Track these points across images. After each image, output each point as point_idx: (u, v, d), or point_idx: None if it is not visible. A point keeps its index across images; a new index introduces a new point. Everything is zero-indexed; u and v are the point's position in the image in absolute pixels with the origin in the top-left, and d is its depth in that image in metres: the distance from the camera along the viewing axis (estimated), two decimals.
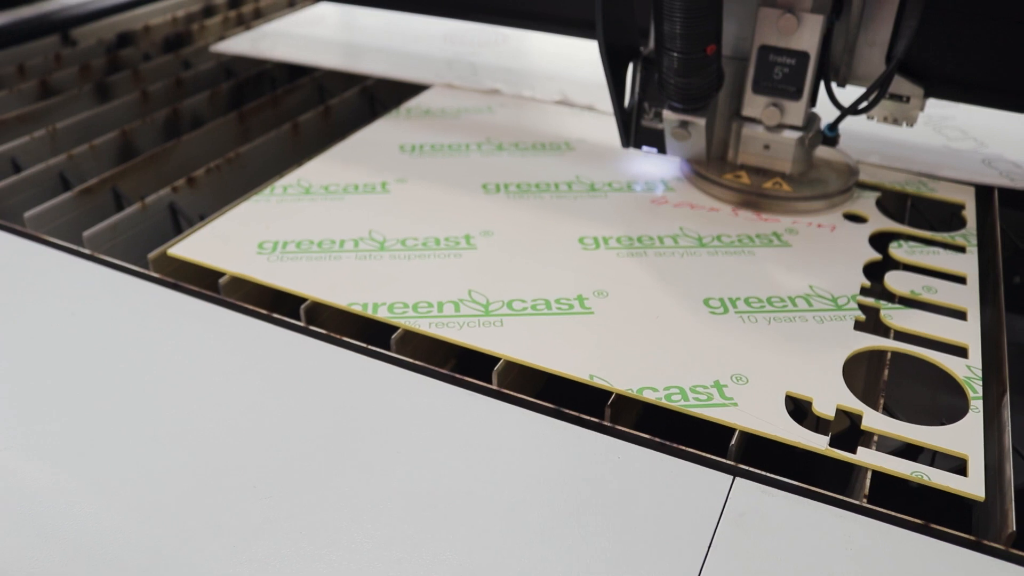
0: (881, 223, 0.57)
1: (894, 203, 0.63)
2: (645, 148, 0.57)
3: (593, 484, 0.36)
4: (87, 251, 0.53)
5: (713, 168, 0.58)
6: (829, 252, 0.53)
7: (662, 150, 0.57)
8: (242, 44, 0.91)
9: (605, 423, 0.40)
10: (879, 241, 0.55)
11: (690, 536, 0.34)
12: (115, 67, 0.91)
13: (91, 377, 0.43)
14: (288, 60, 0.87)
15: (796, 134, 0.55)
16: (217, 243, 0.53)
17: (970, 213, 0.59)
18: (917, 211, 0.63)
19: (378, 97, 0.82)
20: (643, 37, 0.54)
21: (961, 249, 0.54)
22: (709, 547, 0.33)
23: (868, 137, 0.68)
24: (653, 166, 0.62)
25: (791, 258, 0.52)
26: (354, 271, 0.50)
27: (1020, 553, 0.34)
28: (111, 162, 0.71)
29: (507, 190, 0.59)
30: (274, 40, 0.92)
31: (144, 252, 0.59)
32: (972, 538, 0.34)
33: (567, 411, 0.40)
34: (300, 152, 0.72)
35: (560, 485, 0.36)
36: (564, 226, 0.55)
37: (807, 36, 0.51)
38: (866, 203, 0.59)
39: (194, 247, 0.53)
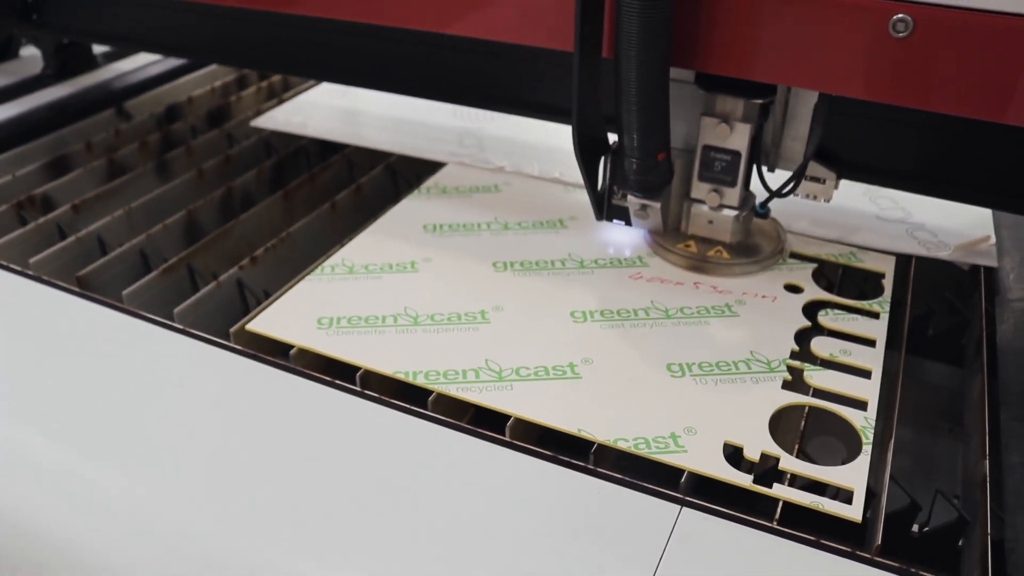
0: (814, 293, 0.71)
1: (830, 271, 0.77)
2: (615, 221, 0.72)
3: (575, 511, 0.50)
4: (180, 326, 0.67)
5: (669, 237, 0.75)
6: (769, 321, 0.67)
7: (628, 223, 0.72)
8: (277, 120, 1.05)
9: (589, 466, 0.54)
10: (811, 309, 0.69)
11: (645, 552, 0.48)
12: (169, 143, 1.05)
13: (203, 436, 0.57)
14: (319, 137, 1.01)
15: (733, 212, 0.71)
16: (284, 319, 0.67)
17: (888, 281, 0.73)
18: (848, 277, 0.77)
19: (400, 172, 0.96)
20: (610, 124, 0.65)
21: (875, 315, 0.68)
22: (660, 560, 0.47)
23: (807, 204, 0.81)
24: (629, 239, 0.76)
25: (738, 327, 0.66)
26: (395, 343, 0.64)
27: (885, 561, 0.48)
28: (181, 239, 0.85)
29: (513, 268, 0.73)
30: (305, 116, 1.06)
31: (220, 323, 0.73)
32: (848, 549, 0.48)
33: (561, 457, 0.54)
34: (339, 228, 0.86)
35: (555, 511, 0.50)
36: (559, 301, 0.69)
37: (738, 139, 0.67)
38: (803, 274, 0.73)
39: (267, 322, 0.67)
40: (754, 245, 0.74)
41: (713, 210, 0.71)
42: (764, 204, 0.72)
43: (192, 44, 0.99)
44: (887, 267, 0.75)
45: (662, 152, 0.63)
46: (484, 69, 0.84)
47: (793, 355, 0.64)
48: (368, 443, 0.56)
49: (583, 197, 0.85)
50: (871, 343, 0.65)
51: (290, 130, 1.02)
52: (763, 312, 0.68)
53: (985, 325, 0.71)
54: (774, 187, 0.70)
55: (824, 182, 0.70)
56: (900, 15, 0.51)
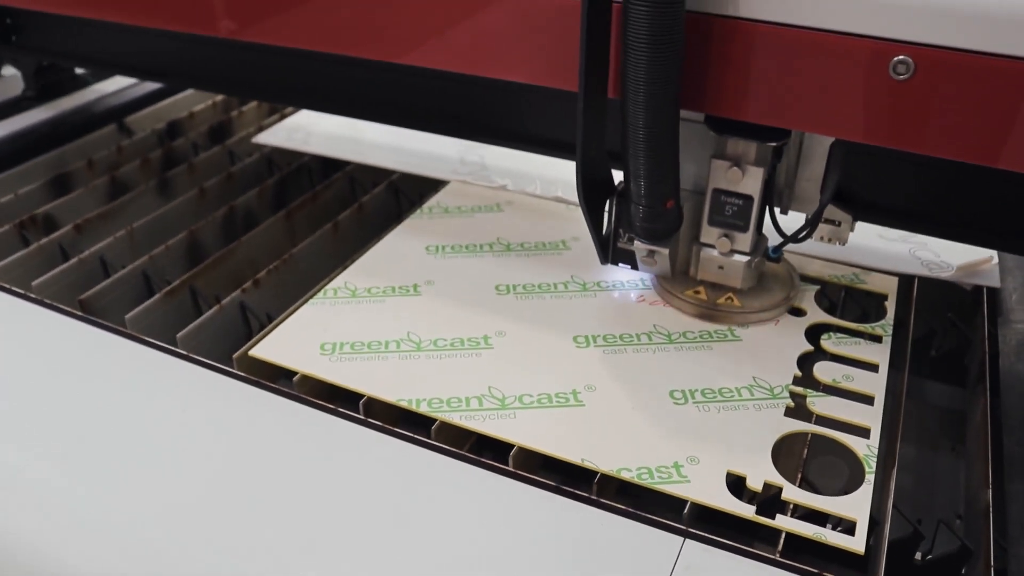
0: (817, 316, 0.71)
1: (833, 292, 0.77)
2: (621, 264, 0.70)
3: (579, 542, 0.50)
4: (182, 351, 0.67)
5: (677, 282, 0.72)
6: (771, 345, 0.67)
7: (635, 267, 0.69)
8: (279, 136, 1.06)
9: (592, 496, 0.54)
10: (814, 332, 0.69)
11: None
12: (170, 160, 1.05)
13: (202, 466, 0.57)
14: (321, 154, 1.01)
15: (744, 258, 0.68)
16: (287, 344, 0.67)
17: (891, 303, 0.73)
18: (851, 299, 0.77)
19: (403, 190, 0.96)
20: (615, 161, 0.63)
21: (878, 339, 0.68)
22: None
23: None
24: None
25: (740, 352, 0.66)
26: (398, 369, 0.64)
27: None
28: (183, 259, 0.85)
29: (515, 291, 0.73)
30: (306, 131, 1.06)
31: (223, 347, 0.73)
32: None
33: (565, 488, 0.54)
34: (341, 248, 0.86)
35: (558, 542, 0.50)
36: (561, 326, 0.69)
37: (751, 183, 0.64)
38: (807, 296, 0.73)
39: (270, 348, 0.67)
40: (766, 290, 0.72)
41: (723, 255, 0.68)
42: (777, 249, 0.69)
43: (171, 69, 0.95)
44: (890, 288, 0.75)
45: (671, 199, 0.61)
46: (475, 100, 0.80)
47: (796, 380, 0.64)
48: (371, 472, 0.56)
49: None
50: (874, 368, 0.65)
51: (292, 146, 1.02)
52: (766, 336, 0.68)
53: (988, 347, 0.71)
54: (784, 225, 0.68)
55: (840, 224, 0.66)
56: (901, 57, 0.50)
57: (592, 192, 0.63)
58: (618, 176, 0.64)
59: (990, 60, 0.46)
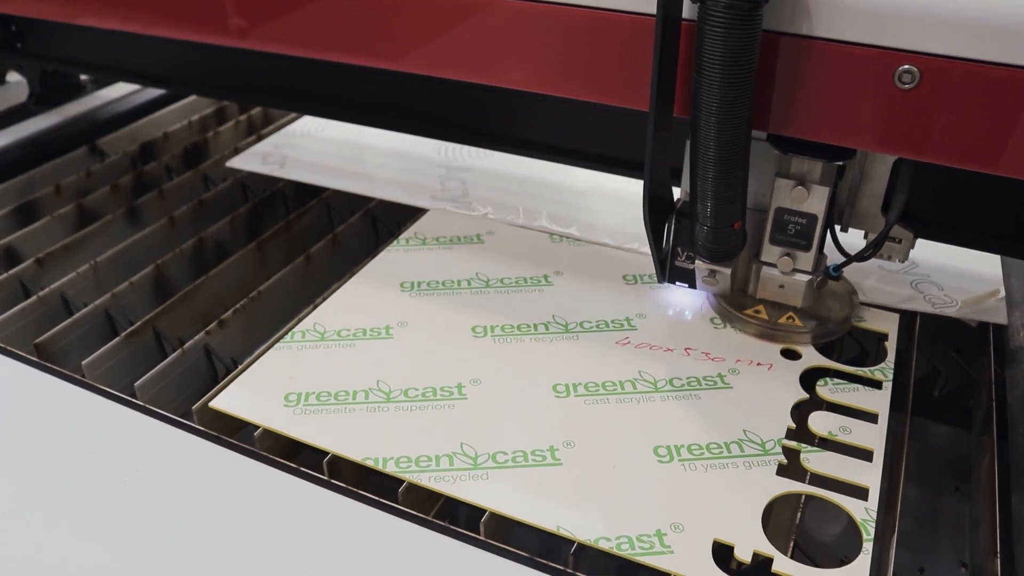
0: (813, 359, 0.67)
1: None
2: (678, 284, 0.68)
3: None
4: (139, 402, 0.64)
5: (735, 301, 0.70)
6: (763, 394, 0.63)
7: (693, 286, 0.68)
8: (254, 161, 1.02)
9: (568, 570, 0.50)
10: (809, 377, 0.65)
11: None
12: (141, 185, 1.01)
13: (160, 532, 0.53)
14: (296, 180, 0.97)
15: (806, 277, 0.66)
16: (250, 394, 0.63)
17: (891, 344, 0.69)
18: (851, 336, 0.73)
19: (380, 218, 0.92)
20: (674, 177, 0.63)
21: (878, 384, 0.64)
22: None
23: None
24: (619, 304, 0.72)
25: (730, 401, 0.62)
26: (366, 423, 0.60)
27: None
28: (148, 296, 0.81)
29: (493, 333, 0.69)
30: (282, 155, 1.02)
31: (185, 395, 0.69)
32: None
33: (539, 560, 0.50)
34: (314, 282, 0.82)
35: None
36: (541, 372, 0.65)
37: (816, 202, 0.62)
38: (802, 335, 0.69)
39: (231, 399, 0.63)
40: (826, 307, 0.70)
41: (785, 274, 0.66)
42: (839, 268, 0.67)
43: (174, 75, 0.96)
44: (891, 327, 0.71)
45: (738, 221, 0.59)
46: (477, 104, 0.80)
47: (789, 433, 0.60)
48: (334, 539, 0.52)
49: (569, 248, 0.81)
50: (873, 418, 0.61)
51: (267, 171, 0.98)
52: (758, 382, 0.64)
53: (994, 390, 0.67)
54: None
55: (900, 242, 0.65)
56: (907, 66, 0.50)
57: (656, 211, 0.61)
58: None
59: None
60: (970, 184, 0.62)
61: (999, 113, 0.49)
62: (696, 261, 0.64)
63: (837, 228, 0.66)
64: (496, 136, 0.82)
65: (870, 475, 0.56)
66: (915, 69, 0.50)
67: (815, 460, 0.57)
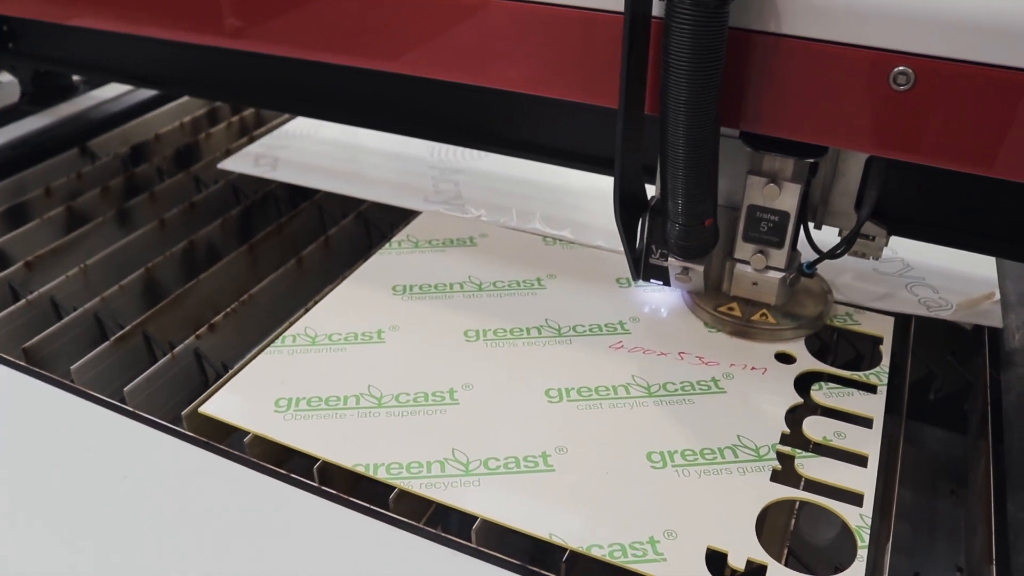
0: (807, 363, 0.66)
1: (825, 334, 0.72)
2: (653, 281, 0.68)
3: None
4: (128, 407, 0.63)
5: (709, 299, 0.70)
6: (758, 398, 0.62)
7: (667, 284, 0.68)
8: (245, 163, 1.01)
9: None
10: (804, 381, 0.65)
11: None
12: (132, 187, 1.00)
13: (150, 541, 0.52)
14: (288, 182, 0.96)
15: (779, 274, 0.67)
16: (240, 399, 0.63)
17: (886, 347, 0.68)
18: (844, 340, 0.72)
19: (373, 221, 0.91)
20: (648, 175, 0.63)
21: (872, 388, 0.64)
22: None
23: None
24: (613, 308, 0.72)
25: (724, 406, 0.62)
26: (357, 429, 0.60)
27: None
28: (139, 299, 0.80)
29: (485, 337, 0.69)
30: (274, 158, 1.01)
31: (176, 399, 0.69)
32: None
33: (531, 568, 0.50)
34: (305, 285, 0.81)
35: None
36: (533, 377, 0.64)
37: (787, 199, 0.62)
38: (796, 341, 0.69)
39: (221, 405, 0.62)
40: (800, 305, 0.70)
41: (758, 271, 0.67)
42: (812, 265, 0.68)
43: (167, 76, 0.96)
44: (885, 330, 0.70)
45: (709, 218, 0.59)
46: (471, 105, 0.80)
47: (783, 439, 0.59)
48: (324, 546, 0.51)
49: (562, 251, 0.81)
50: (868, 423, 0.61)
51: (258, 173, 0.98)
52: (752, 386, 0.64)
53: (989, 394, 0.66)
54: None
55: (874, 239, 0.65)
56: (900, 68, 0.50)
57: (627, 209, 0.61)
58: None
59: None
60: (943, 181, 0.63)
61: (997, 114, 0.49)
62: (669, 258, 0.64)
63: (811, 226, 0.67)
64: (490, 137, 0.82)
65: (865, 480, 0.56)
66: (910, 71, 0.50)
67: (809, 465, 0.57)
